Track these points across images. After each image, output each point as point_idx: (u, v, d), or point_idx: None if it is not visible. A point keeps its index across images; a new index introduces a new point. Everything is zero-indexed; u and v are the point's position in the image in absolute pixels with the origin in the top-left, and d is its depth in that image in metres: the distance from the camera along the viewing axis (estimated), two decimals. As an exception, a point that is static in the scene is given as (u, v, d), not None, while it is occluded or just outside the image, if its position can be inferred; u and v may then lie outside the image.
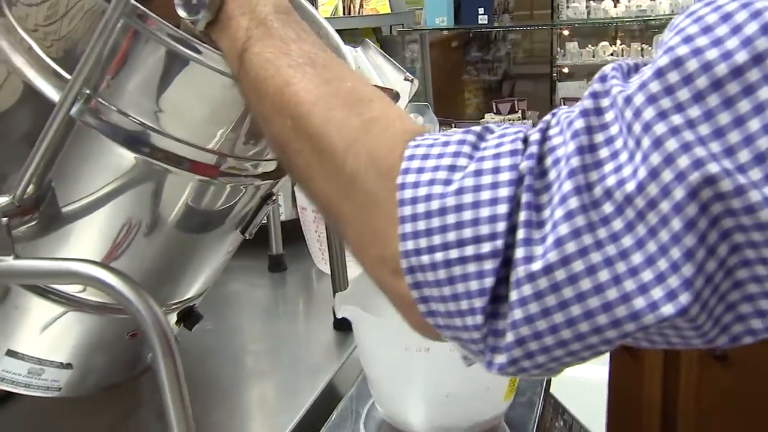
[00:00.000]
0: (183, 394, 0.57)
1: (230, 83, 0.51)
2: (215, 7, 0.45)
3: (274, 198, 0.71)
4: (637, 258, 0.29)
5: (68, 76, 0.53)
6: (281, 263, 1.19)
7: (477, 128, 0.36)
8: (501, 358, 0.34)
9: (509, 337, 0.33)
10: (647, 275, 0.29)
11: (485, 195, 0.32)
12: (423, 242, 0.34)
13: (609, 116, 0.31)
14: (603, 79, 0.32)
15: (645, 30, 3.94)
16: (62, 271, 0.58)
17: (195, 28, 0.48)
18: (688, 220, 0.28)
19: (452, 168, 0.34)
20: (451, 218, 0.33)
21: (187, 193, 0.61)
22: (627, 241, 0.29)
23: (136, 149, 0.56)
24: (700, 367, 1.51)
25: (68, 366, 0.68)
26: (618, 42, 3.70)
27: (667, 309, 0.29)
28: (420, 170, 0.35)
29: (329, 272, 1.14)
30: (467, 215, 0.33)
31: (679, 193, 0.28)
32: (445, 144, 0.35)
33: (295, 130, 0.41)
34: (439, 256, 0.34)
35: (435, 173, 0.34)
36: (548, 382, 0.84)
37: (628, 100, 0.30)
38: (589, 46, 3.63)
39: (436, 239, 0.34)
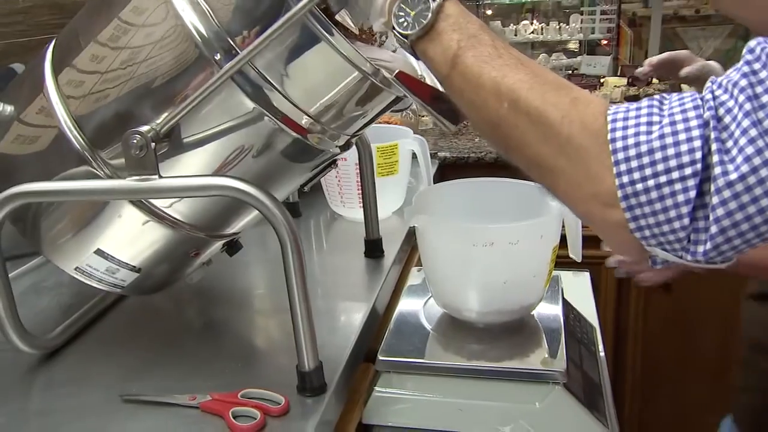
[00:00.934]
0: (304, 277, 0.69)
1: (345, 67, 0.64)
2: (428, 28, 0.59)
3: (336, 163, 0.84)
4: None
5: (233, 44, 0.64)
6: (296, 210, 1.31)
7: (656, 96, 0.51)
8: (705, 246, 0.47)
9: (713, 229, 0.46)
10: None
11: (682, 136, 0.46)
12: (636, 175, 0.48)
13: (763, 74, 0.45)
14: (751, 51, 0.46)
15: (557, 10, 4.23)
16: (205, 185, 0.69)
17: (403, 39, 0.60)
18: None
19: (650, 123, 0.48)
20: (658, 155, 0.47)
21: (278, 143, 0.71)
22: None
23: (256, 100, 0.66)
24: (647, 294, 1.74)
25: (138, 270, 0.79)
26: (536, 21, 3.95)
27: None
28: (624, 128, 0.49)
29: (344, 214, 1.28)
30: (671, 151, 0.47)
31: None
32: (638, 108, 0.49)
33: (512, 109, 0.54)
34: (650, 182, 0.47)
35: (638, 128, 0.48)
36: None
37: None
38: (512, 24, 3.86)
39: (647, 171, 0.47)
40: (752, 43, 0.47)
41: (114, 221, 0.76)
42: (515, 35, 3.77)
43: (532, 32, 3.80)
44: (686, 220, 0.47)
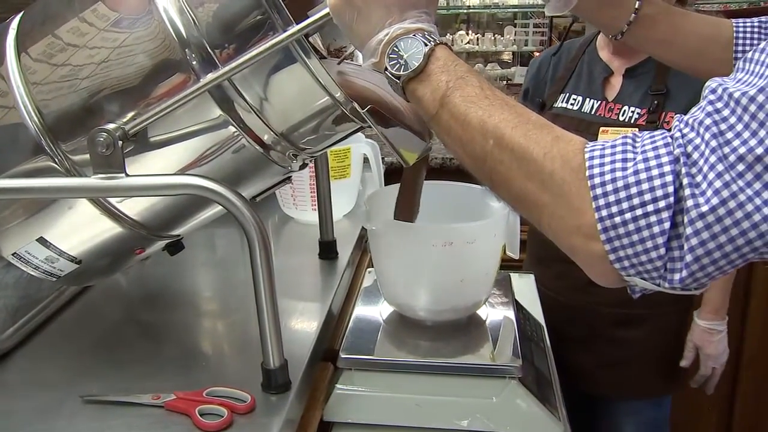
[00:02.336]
0: (272, 277, 0.70)
1: (318, 91, 0.66)
2: (419, 70, 0.61)
3: (289, 180, 0.85)
4: (766, 194, 0.46)
5: (219, 63, 0.64)
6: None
7: (629, 134, 0.53)
8: (681, 274, 0.50)
9: (688, 258, 0.49)
10: None
11: (655, 171, 0.50)
12: (614, 208, 0.50)
13: (726, 112, 0.48)
14: (713, 91, 0.50)
15: (491, 22, 4.34)
16: (173, 184, 0.68)
17: (395, 80, 0.63)
18: None
19: (624, 159, 0.51)
20: (633, 189, 0.50)
21: (239, 154, 0.71)
22: (758, 185, 0.46)
23: (225, 110, 0.67)
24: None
25: (78, 262, 0.78)
26: (471, 32, 4.04)
27: None
28: (601, 164, 0.52)
29: (296, 216, 1.28)
30: (645, 186, 0.50)
31: None
32: (613, 146, 0.52)
33: (497, 146, 0.57)
34: (627, 215, 0.50)
35: (613, 164, 0.51)
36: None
37: (752, 99, 0.47)
38: (448, 34, 3.93)
39: (624, 204, 0.50)
40: (712, 84, 0.51)
41: (63, 212, 0.74)
42: (452, 45, 3.84)
43: (468, 42, 3.89)
44: (662, 250, 0.50)
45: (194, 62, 0.65)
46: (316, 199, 1.09)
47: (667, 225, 0.50)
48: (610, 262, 0.53)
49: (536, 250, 1.45)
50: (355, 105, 0.69)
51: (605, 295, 1.22)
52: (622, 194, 0.51)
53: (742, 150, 0.47)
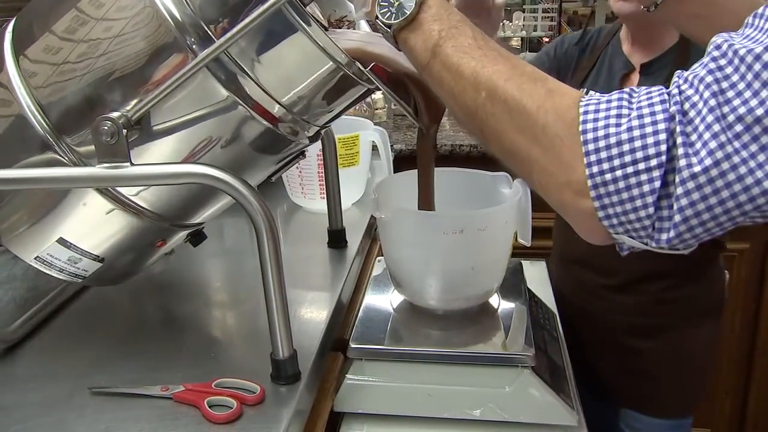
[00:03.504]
0: (280, 266, 0.69)
1: (320, 57, 0.64)
2: (410, 18, 0.60)
3: (304, 156, 0.84)
4: (762, 157, 0.45)
5: (215, 38, 0.63)
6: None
7: (626, 89, 0.52)
8: (668, 234, 0.49)
9: (677, 218, 0.48)
10: None
11: (649, 129, 0.49)
12: (605, 165, 0.50)
13: (729, 69, 0.47)
14: (718, 47, 0.48)
15: (500, 7, 4.29)
16: (179, 173, 0.67)
17: (386, 28, 0.62)
18: None
19: (619, 115, 0.50)
20: (626, 146, 0.49)
21: (249, 132, 0.70)
22: (754, 147, 0.45)
23: (228, 87, 0.66)
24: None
25: (101, 260, 0.77)
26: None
27: None
28: (595, 120, 0.51)
29: (305, 205, 1.27)
30: (638, 143, 0.49)
31: None
32: (608, 101, 0.51)
33: (489, 98, 0.56)
34: (618, 172, 0.49)
35: (608, 120, 0.50)
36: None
37: (758, 57, 0.45)
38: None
39: (616, 161, 0.49)
40: (718, 39, 0.49)
41: (78, 209, 0.73)
42: (461, 31, 3.80)
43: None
44: (651, 209, 0.50)
45: (190, 41, 0.64)
46: (324, 187, 1.08)
47: (657, 184, 0.49)
48: (599, 219, 0.52)
49: (559, 249, 1.39)
50: (358, 65, 0.67)
51: (620, 302, 1.24)
52: (614, 151, 0.50)
53: (741, 110, 0.46)
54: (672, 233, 0.50)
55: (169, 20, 0.64)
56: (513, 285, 0.98)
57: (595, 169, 0.50)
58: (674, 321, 1.23)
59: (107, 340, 0.84)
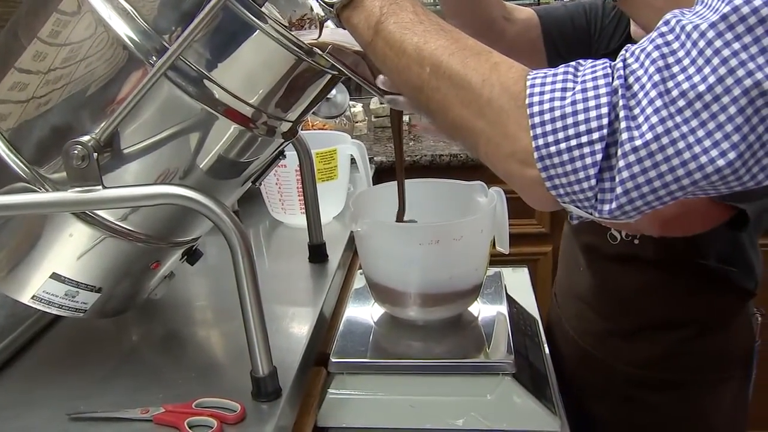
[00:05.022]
0: (256, 283, 0.70)
1: (280, 52, 0.65)
2: None
3: (284, 155, 0.85)
4: (701, 132, 0.46)
5: (164, 42, 0.64)
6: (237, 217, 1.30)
7: (573, 63, 0.53)
8: (610, 206, 0.51)
9: (618, 190, 0.49)
10: (707, 143, 0.46)
11: (591, 103, 0.50)
12: (550, 138, 0.51)
13: (675, 45, 0.48)
14: (666, 22, 0.49)
15: None
16: (150, 194, 0.68)
17: (329, 8, 0.62)
18: (740, 107, 0.45)
19: (564, 89, 0.52)
20: (569, 120, 0.50)
21: (225, 139, 0.71)
22: (694, 122, 0.46)
23: (195, 96, 0.66)
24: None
25: (99, 290, 0.77)
26: None
27: (720, 162, 0.46)
28: (541, 93, 0.52)
29: (285, 221, 1.28)
30: (581, 116, 0.50)
31: (736, 91, 0.45)
32: (555, 75, 0.53)
33: (434, 74, 0.57)
34: (563, 145, 0.51)
35: (553, 93, 0.52)
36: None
37: (702, 34, 0.46)
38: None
39: (560, 134, 0.51)
40: (668, 15, 0.50)
41: (65, 241, 0.73)
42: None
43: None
44: (593, 181, 0.51)
45: (147, 55, 0.65)
46: (304, 202, 1.08)
47: (599, 157, 0.50)
48: (546, 189, 0.53)
49: (561, 280, 1.22)
50: (317, 50, 0.68)
51: (626, 352, 1.04)
52: (559, 124, 0.51)
53: (685, 86, 0.47)
54: (614, 204, 0.51)
55: (124, 38, 0.65)
56: (493, 293, 0.99)
57: (540, 141, 0.52)
58: (692, 376, 1.02)
59: (87, 364, 0.84)
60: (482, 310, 0.95)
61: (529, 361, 0.88)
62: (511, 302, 1.02)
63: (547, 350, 1.00)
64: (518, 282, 1.18)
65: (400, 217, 0.89)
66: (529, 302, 1.11)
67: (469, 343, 0.89)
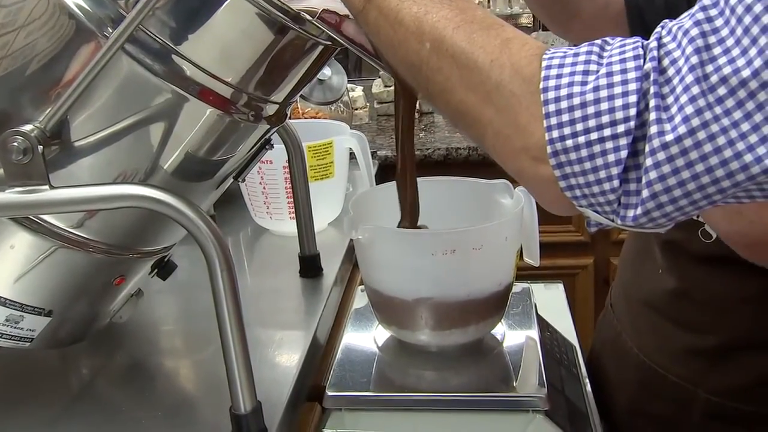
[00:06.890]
0: (238, 303, 0.69)
1: (256, 19, 0.64)
2: None
3: (271, 145, 0.85)
4: (745, 126, 0.45)
5: (120, 9, 0.63)
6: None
7: (598, 41, 0.53)
8: (635, 212, 0.50)
9: (645, 193, 0.48)
10: (753, 138, 0.45)
11: (618, 89, 0.48)
12: (567, 130, 0.50)
13: (719, 21, 0.46)
14: None
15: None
16: (110, 195, 0.67)
17: None
18: None
19: (586, 72, 0.50)
20: (590, 109, 0.49)
21: (199, 126, 0.70)
22: (737, 114, 0.45)
23: (164, 75, 0.65)
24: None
25: (49, 313, 0.76)
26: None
27: None
28: (559, 76, 0.51)
29: (271, 228, 1.28)
30: (604, 106, 0.49)
31: None
32: (576, 55, 0.51)
33: (435, 51, 0.56)
34: (581, 139, 0.50)
35: (572, 77, 0.50)
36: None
37: (748, 8, 0.44)
38: None
39: (579, 126, 0.50)
40: None
41: (5, 254, 0.72)
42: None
43: (478, 3, 3.88)
44: (616, 182, 0.50)
45: (100, 25, 0.64)
46: (294, 205, 1.08)
47: (623, 154, 0.49)
48: (560, 189, 0.52)
49: (626, 285, 1.14)
50: (305, 15, 0.67)
51: (708, 374, 0.97)
52: (578, 114, 0.50)
53: (726, 70, 0.46)
54: (639, 210, 0.50)
55: (69, 3, 0.63)
56: (521, 313, 0.99)
57: (555, 134, 0.51)
58: None
59: (32, 403, 0.83)
60: (507, 334, 0.95)
61: (565, 396, 0.88)
62: (543, 325, 1.01)
63: (588, 384, 0.99)
64: (551, 300, 1.17)
65: (413, 223, 0.87)
66: (565, 325, 1.10)
67: (492, 373, 0.88)
